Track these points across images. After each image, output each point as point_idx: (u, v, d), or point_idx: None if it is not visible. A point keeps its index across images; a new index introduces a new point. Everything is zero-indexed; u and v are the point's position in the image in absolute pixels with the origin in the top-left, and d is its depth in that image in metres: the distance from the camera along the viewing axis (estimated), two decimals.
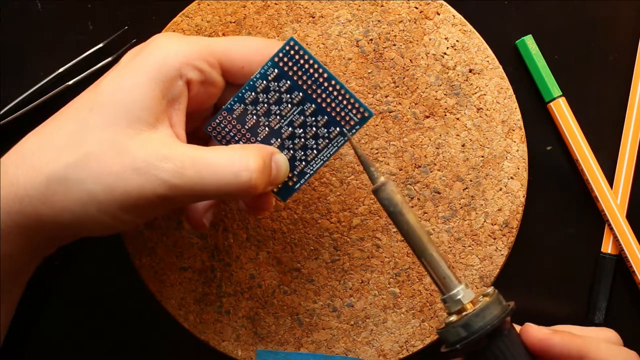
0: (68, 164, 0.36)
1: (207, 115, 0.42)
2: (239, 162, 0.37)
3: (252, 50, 0.39)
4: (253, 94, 0.40)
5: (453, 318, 0.38)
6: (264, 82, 0.39)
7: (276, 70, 0.39)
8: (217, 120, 0.40)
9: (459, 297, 0.38)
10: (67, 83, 0.47)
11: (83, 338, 0.49)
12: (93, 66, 0.47)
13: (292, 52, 0.39)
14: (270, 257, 0.47)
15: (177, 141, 0.37)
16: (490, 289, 0.39)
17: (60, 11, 0.48)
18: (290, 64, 0.39)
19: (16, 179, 0.36)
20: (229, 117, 0.40)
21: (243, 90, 0.40)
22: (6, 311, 0.42)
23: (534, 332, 0.40)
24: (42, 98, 0.47)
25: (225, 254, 0.47)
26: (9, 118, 0.47)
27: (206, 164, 0.36)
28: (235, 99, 0.40)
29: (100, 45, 0.47)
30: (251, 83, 0.39)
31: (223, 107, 0.40)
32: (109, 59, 0.47)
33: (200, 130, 0.41)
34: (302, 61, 0.39)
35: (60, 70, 0.47)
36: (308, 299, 0.48)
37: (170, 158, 0.36)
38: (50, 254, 0.41)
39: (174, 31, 0.46)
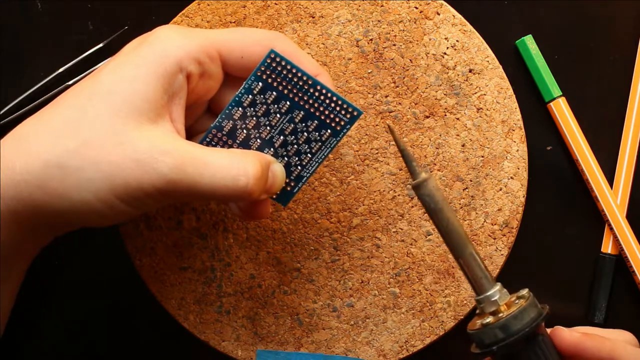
0: (67, 151, 0.36)
1: (201, 113, 0.42)
2: (237, 166, 0.37)
3: (252, 41, 0.39)
4: (240, 109, 0.40)
5: (490, 319, 0.37)
6: (250, 96, 0.40)
7: (260, 84, 0.39)
8: (208, 139, 0.40)
9: (495, 298, 0.37)
10: (67, 83, 0.47)
11: (83, 338, 0.49)
12: (93, 66, 0.47)
13: (273, 64, 0.39)
14: (270, 257, 0.47)
15: (178, 137, 0.37)
16: (525, 291, 0.38)
17: (60, 11, 0.48)
18: (273, 75, 0.39)
19: (12, 163, 0.36)
20: (219, 134, 0.40)
21: (230, 107, 0.40)
22: (5, 301, 0.42)
23: (567, 336, 0.39)
24: (42, 98, 0.47)
25: (225, 254, 0.47)
26: (9, 118, 0.47)
27: (206, 164, 0.36)
28: (223, 116, 0.40)
29: (100, 45, 0.47)
30: (237, 99, 0.40)
31: (212, 125, 0.40)
32: (109, 59, 0.47)
33: (194, 127, 0.41)
34: (284, 71, 0.39)
35: (60, 70, 0.47)
36: (308, 299, 0.48)
37: (171, 153, 0.36)
38: (46, 244, 0.41)
39: None
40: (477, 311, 0.38)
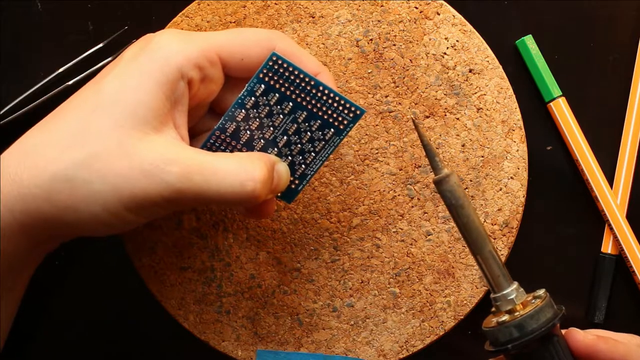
0: (74, 163, 0.36)
1: (203, 114, 0.42)
2: (244, 171, 0.37)
3: (251, 43, 0.39)
4: (243, 111, 0.40)
5: (506, 318, 0.37)
6: (252, 98, 0.40)
7: (263, 86, 0.39)
8: (212, 140, 0.40)
9: (511, 297, 0.37)
10: (67, 83, 0.47)
11: (83, 338, 0.49)
12: (93, 66, 0.47)
13: (275, 66, 0.39)
14: (270, 257, 0.47)
15: (182, 144, 0.37)
16: (542, 291, 0.38)
17: (60, 11, 0.48)
18: (275, 77, 0.39)
19: (19, 176, 0.36)
20: (223, 136, 0.40)
21: (233, 109, 0.40)
22: (9, 309, 0.42)
23: (581, 338, 0.39)
24: (42, 98, 0.47)
25: (225, 254, 0.47)
26: (9, 118, 0.47)
27: (213, 171, 0.37)
28: (226, 118, 0.40)
29: (100, 45, 0.47)
30: (240, 101, 0.40)
31: (215, 127, 0.40)
32: (109, 59, 0.47)
33: (195, 128, 0.41)
34: (287, 73, 0.39)
35: (60, 70, 0.47)
36: (308, 299, 0.48)
37: (177, 162, 0.36)
38: (52, 250, 0.41)
39: None
40: (493, 309, 0.38)
